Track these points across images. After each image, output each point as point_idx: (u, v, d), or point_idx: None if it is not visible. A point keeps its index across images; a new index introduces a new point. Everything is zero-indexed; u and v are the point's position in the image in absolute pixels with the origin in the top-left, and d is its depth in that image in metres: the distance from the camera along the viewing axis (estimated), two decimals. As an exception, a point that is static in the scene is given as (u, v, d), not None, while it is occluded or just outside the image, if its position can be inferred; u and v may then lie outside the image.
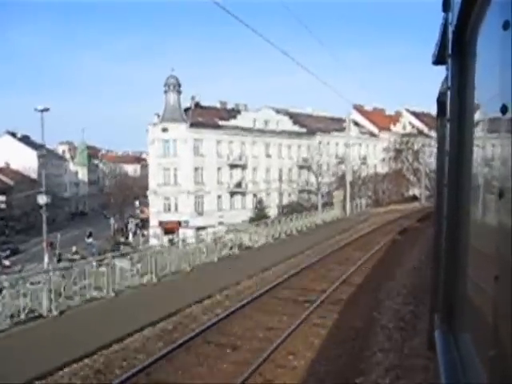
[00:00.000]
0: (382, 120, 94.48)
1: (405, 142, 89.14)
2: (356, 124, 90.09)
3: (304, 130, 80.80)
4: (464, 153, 2.18)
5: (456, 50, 2.30)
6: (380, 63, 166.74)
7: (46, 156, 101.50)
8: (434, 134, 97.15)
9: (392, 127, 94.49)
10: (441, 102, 3.78)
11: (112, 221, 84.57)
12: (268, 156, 77.00)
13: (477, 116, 1.99)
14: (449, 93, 2.40)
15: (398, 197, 77.08)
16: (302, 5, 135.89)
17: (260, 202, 69.14)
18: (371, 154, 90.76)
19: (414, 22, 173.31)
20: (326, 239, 30.10)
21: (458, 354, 2.05)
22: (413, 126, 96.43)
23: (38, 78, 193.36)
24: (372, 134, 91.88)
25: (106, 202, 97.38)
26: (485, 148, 1.82)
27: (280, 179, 75.32)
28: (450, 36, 2.39)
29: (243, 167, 73.99)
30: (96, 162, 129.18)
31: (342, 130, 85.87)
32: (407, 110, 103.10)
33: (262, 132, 75.75)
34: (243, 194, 73.78)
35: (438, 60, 3.38)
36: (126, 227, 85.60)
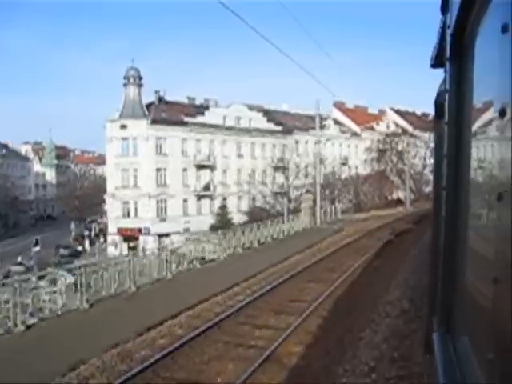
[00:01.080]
0: (364, 118, 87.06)
1: (389, 142, 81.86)
2: (336, 122, 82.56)
3: (279, 128, 73.04)
4: (462, 156, 2.16)
5: (454, 53, 2.27)
6: (375, 65, 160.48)
7: (7, 156, 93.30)
8: (419, 133, 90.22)
9: (375, 126, 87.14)
10: (438, 105, 3.79)
11: (72, 226, 76.21)
12: (239, 156, 69.27)
13: (475, 119, 1.95)
14: (447, 95, 2.34)
15: (381, 200, 69.67)
16: (302, 7, 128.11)
17: (223, 207, 61.09)
18: (353, 155, 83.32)
19: (412, 25, 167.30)
20: (280, 261, 22.44)
21: (456, 356, 2.02)
22: (397, 125, 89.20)
23: (24, 78, 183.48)
24: (354, 133, 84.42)
25: (77, 205, 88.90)
26: (483, 151, 1.81)
27: (250, 182, 67.49)
28: (448, 39, 2.34)
29: (212, 168, 66.20)
30: (68, 163, 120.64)
31: (322, 128, 78.33)
32: (391, 109, 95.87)
33: (232, 130, 68.07)
34: (211, 197, 65.99)
35: (436, 63, 3.37)
36: (90, 233, 77.38)
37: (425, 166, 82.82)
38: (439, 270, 2.52)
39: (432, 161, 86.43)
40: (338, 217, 43.59)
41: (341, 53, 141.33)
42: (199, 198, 64.94)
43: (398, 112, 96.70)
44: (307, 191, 53.08)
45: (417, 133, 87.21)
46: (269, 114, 75.02)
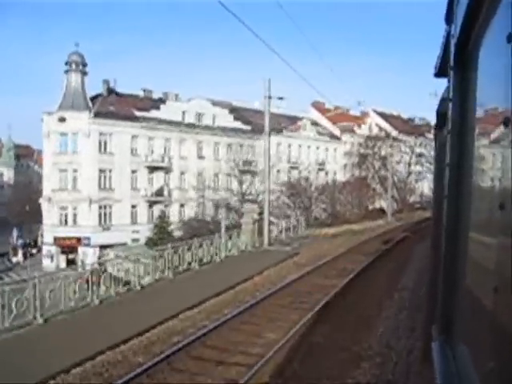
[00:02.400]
0: (345, 121, 77.71)
1: (371, 146, 72.59)
2: (314, 124, 73.10)
3: (248, 127, 63.43)
4: (464, 164, 2.14)
5: (458, 63, 2.26)
6: (375, 73, 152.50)
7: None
8: (403, 137, 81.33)
9: (356, 129, 77.89)
10: (440, 114, 3.80)
11: (14, 233, 65.91)
12: (200, 157, 59.58)
13: (478, 128, 1.93)
14: (450, 104, 2.33)
15: (360, 210, 60.06)
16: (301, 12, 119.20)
17: (162, 216, 51.19)
18: (331, 159, 74.00)
19: (416, 35, 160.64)
20: (189, 307, 12.97)
21: (455, 365, 2.00)
22: (380, 129, 79.88)
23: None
24: (333, 136, 75.00)
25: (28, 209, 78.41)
26: (486, 160, 1.78)
27: (209, 186, 57.85)
28: (453, 48, 2.33)
29: (167, 170, 56.55)
30: (31, 163, 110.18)
31: (297, 129, 69.00)
32: (375, 111, 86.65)
33: (193, 127, 58.40)
34: (166, 203, 56.09)
35: (440, 72, 3.35)
36: (36, 241, 67.10)
37: (409, 173, 73.71)
38: (439, 279, 2.48)
39: (418, 168, 77.54)
40: (302, 233, 34.01)
41: (340, 60, 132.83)
42: (151, 204, 55.15)
43: (381, 115, 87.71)
44: (252, 201, 43.61)
45: (402, 137, 78.23)
46: (236, 112, 65.53)
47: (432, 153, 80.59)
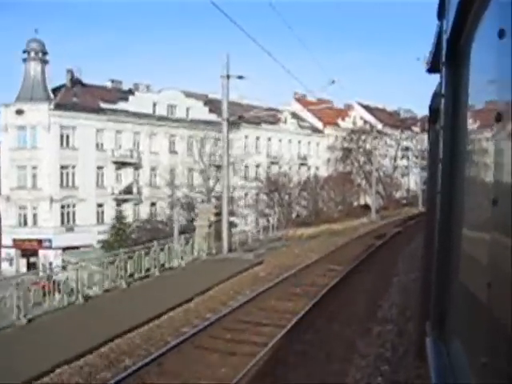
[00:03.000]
0: (328, 113, 73.75)
1: (355, 140, 68.78)
2: (295, 117, 69.06)
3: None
4: (457, 160, 2.14)
5: (450, 58, 2.25)
6: (362, 68, 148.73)
7: None
8: (389, 131, 77.68)
9: (340, 122, 73.97)
10: (433, 109, 3.79)
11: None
12: (173, 152, 55.30)
13: (470, 123, 1.94)
14: (442, 100, 2.33)
15: (344, 207, 56.23)
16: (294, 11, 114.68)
17: (119, 216, 46.90)
18: (313, 153, 69.97)
19: (408, 29, 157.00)
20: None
21: (449, 361, 2.01)
22: (365, 122, 76.04)
23: None
24: (315, 130, 71.00)
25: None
26: (478, 155, 1.78)
27: (182, 183, 53.78)
28: (445, 44, 2.33)
29: (136, 166, 52.19)
30: None
31: (277, 122, 64.96)
32: (359, 104, 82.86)
33: (165, 120, 54.07)
34: (136, 202, 51.83)
35: (432, 68, 3.29)
36: None
37: (395, 168, 70.05)
38: (433, 275, 2.46)
39: (404, 162, 73.90)
40: (275, 234, 30.03)
41: (328, 55, 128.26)
42: (119, 202, 50.84)
43: (366, 108, 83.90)
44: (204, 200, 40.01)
45: (387, 131, 74.55)
46: (212, 104, 61.26)
47: (419, 146, 77.05)
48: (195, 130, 56.20)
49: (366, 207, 69.50)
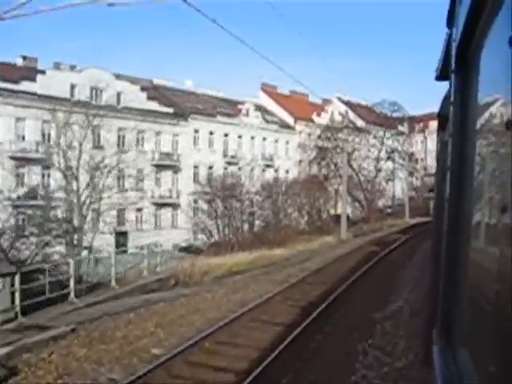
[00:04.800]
0: (302, 108, 61.84)
1: (332, 138, 56.55)
2: (260, 109, 56.80)
3: (170, 109, 46.89)
4: (466, 168, 2.10)
5: (460, 66, 2.23)
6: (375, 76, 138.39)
7: None
8: (372, 129, 65.82)
9: (315, 118, 61.81)
10: (442, 117, 3.76)
11: None
12: (97, 147, 42.76)
13: (480, 131, 1.88)
14: (451, 108, 2.30)
15: (311, 219, 43.99)
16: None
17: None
18: (282, 153, 57.67)
19: (417, 38, 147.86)
20: None
21: (456, 370, 1.95)
22: (344, 118, 63.93)
23: None
24: (284, 125, 58.73)
25: None
26: (488, 163, 1.73)
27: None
28: (454, 52, 2.30)
29: (45, 164, 39.64)
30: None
31: (237, 115, 52.75)
32: (339, 99, 70.90)
33: (86, 106, 41.49)
34: (44, 209, 39.06)
35: (441, 75, 3.27)
36: None
37: (379, 171, 57.87)
38: (440, 282, 2.46)
39: (389, 164, 61.91)
40: (170, 265, 17.77)
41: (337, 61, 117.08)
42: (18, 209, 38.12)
43: (347, 104, 71.91)
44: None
45: (370, 129, 62.50)
46: (157, 91, 49.10)
47: (406, 147, 65.14)
48: (128, 120, 43.88)
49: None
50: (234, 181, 40.74)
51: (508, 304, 1.14)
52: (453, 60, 2.31)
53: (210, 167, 48.96)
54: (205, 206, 37.62)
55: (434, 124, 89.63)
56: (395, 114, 58.90)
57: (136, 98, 44.50)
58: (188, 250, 39.59)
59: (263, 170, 54.41)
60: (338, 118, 64.04)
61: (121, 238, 43.70)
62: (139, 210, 44.94)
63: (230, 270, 18.41)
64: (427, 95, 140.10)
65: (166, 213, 46.36)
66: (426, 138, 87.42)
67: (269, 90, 62.54)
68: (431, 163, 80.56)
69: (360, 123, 64.31)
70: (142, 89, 46.03)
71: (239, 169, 52.04)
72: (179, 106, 48.88)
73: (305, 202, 44.08)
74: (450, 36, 2.58)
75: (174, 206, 45.83)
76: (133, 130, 44.17)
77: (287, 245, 26.40)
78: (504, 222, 1.26)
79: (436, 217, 4.35)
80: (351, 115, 66.01)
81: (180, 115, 47.85)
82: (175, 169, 46.74)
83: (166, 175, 46.37)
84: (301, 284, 16.22)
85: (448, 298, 2.30)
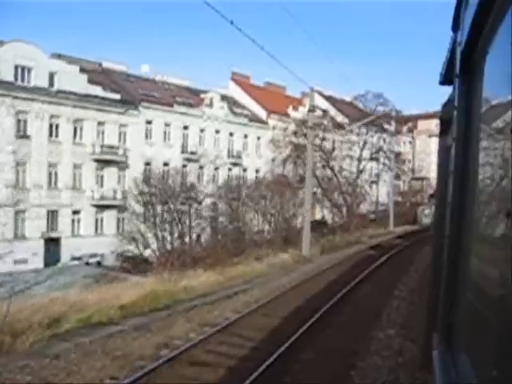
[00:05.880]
0: (277, 101, 54.78)
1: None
2: (226, 100, 49.58)
3: (117, 96, 39.52)
4: (469, 172, 2.08)
5: (464, 70, 2.20)
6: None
7: None
8: (355, 127, 58.82)
9: (292, 112, 54.64)
10: (444, 121, 3.69)
11: None
12: (23, 137, 35.46)
13: (483, 136, 1.88)
14: (455, 112, 2.28)
15: (279, 226, 36.86)
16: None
17: None
18: (252, 151, 50.53)
19: (422, 43, 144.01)
20: None
21: (456, 373, 1.93)
22: (325, 114, 56.88)
23: None
24: (255, 119, 51.56)
25: None
26: (491, 168, 1.72)
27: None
28: (459, 56, 2.27)
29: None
30: None
31: (198, 105, 45.52)
32: (319, 93, 63.68)
33: (9, 88, 34.23)
34: None
35: (446, 80, 3.28)
36: None
37: (361, 172, 50.80)
38: (441, 286, 2.43)
39: (373, 165, 55.20)
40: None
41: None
42: None
43: (329, 99, 64.92)
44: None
45: (352, 126, 55.33)
46: (101, 74, 41.74)
47: (391, 146, 58.20)
48: (65, 106, 36.50)
49: (321, 224, 50.49)
50: (183, 180, 33.55)
51: (508, 309, 1.14)
52: (457, 64, 2.28)
53: (166, 164, 41.65)
54: (139, 209, 30.24)
55: (423, 124, 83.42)
56: (380, 108, 51.74)
57: (74, 80, 37.12)
58: (134, 261, 32.12)
59: (230, 169, 47.23)
60: (318, 113, 57.00)
61: (52, 245, 36.29)
62: (76, 212, 37.53)
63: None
64: (417, 95, 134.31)
65: (110, 216, 38.96)
66: (414, 138, 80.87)
67: (240, 80, 55.40)
68: (420, 166, 74.31)
69: (342, 119, 57.30)
70: (83, 70, 38.60)
71: (201, 167, 44.86)
72: (129, 92, 41.55)
73: (271, 207, 36.90)
74: (454, 40, 2.56)
75: (120, 209, 38.38)
76: (69, 118, 36.88)
77: (226, 265, 19.24)
78: (506, 228, 1.24)
79: (437, 222, 4.07)
80: (332, 110, 58.99)
81: (129, 103, 40.49)
82: (121, 165, 39.36)
83: (110, 172, 39.01)
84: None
85: (448, 302, 2.28)
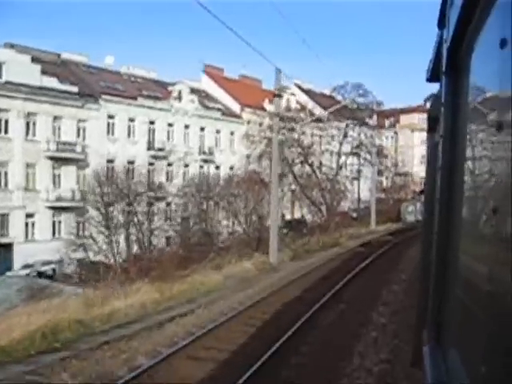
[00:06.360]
0: (252, 94, 51.59)
1: (287, 129, 46.43)
2: (196, 92, 46.39)
3: (74, 88, 36.16)
4: (457, 169, 2.10)
5: (450, 67, 2.21)
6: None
7: None
8: (335, 121, 55.94)
9: (268, 106, 51.41)
10: (432, 118, 3.56)
11: None
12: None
13: (470, 133, 1.89)
14: (442, 109, 2.30)
15: (251, 227, 33.91)
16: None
17: None
18: (225, 146, 47.41)
19: (408, 39, 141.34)
20: None
21: (446, 369, 1.96)
22: (302, 108, 54.04)
23: None
24: (228, 113, 48.42)
25: None
26: (478, 165, 1.73)
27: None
28: (445, 53, 2.29)
29: None
30: None
31: (166, 98, 42.30)
32: (298, 87, 60.86)
33: None
34: None
35: (432, 77, 3.23)
36: None
37: (341, 168, 47.91)
38: (430, 283, 2.43)
39: (354, 160, 52.61)
40: None
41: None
42: None
43: (308, 92, 62.04)
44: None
45: (332, 121, 52.38)
46: (57, 66, 38.32)
47: (372, 140, 55.43)
48: (13, 99, 33.08)
49: (300, 223, 47.69)
50: (150, 179, 30.45)
51: (496, 305, 1.15)
52: (444, 61, 2.29)
53: (130, 162, 38.38)
54: (94, 213, 27.01)
55: (405, 119, 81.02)
56: (360, 100, 48.86)
57: (25, 71, 33.68)
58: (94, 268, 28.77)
59: (201, 167, 44.09)
60: (295, 106, 54.11)
61: (3, 252, 32.93)
62: (30, 215, 34.13)
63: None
64: (399, 89, 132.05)
65: (68, 219, 35.58)
66: (396, 133, 78.27)
67: (213, 73, 52.19)
68: (403, 161, 71.66)
69: (320, 112, 54.38)
70: (36, 60, 35.16)
71: (169, 164, 41.67)
72: (89, 84, 38.18)
73: (243, 206, 33.89)
74: (441, 37, 2.57)
75: (80, 211, 35.00)
76: (19, 112, 33.45)
77: (176, 277, 16.11)
78: (494, 224, 1.25)
79: (426, 218, 3.94)
80: (311, 104, 56.11)
81: (88, 96, 37.13)
82: (80, 163, 36.00)
83: (68, 171, 35.65)
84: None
85: (438, 299, 2.28)
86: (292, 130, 46.32)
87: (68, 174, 35.72)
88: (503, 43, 1.17)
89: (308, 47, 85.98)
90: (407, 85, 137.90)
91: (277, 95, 23.31)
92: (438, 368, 2.01)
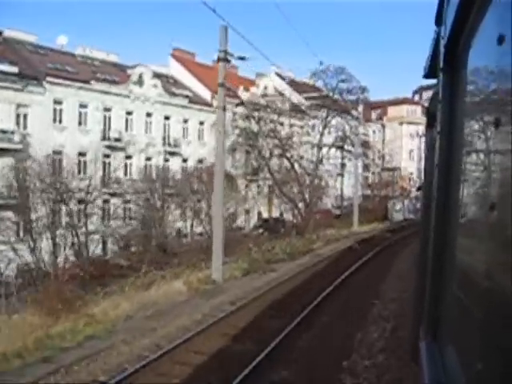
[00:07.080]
0: (229, 82, 46.42)
1: (263, 119, 41.82)
2: (160, 77, 41.52)
3: (14, 68, 31.17)
4: (454, 165, 2.09)
5: (448, 64, 2.21)
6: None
7: None
8: (320, 112, 51.22)
9: (242, 94, 46.78)
10: (430, 114, 3.56)
11: None
12: None
13: (468, 129, 1.88)
14: (439, 105, 2.29)
15: (228, 229, 28.92)
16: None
17: None
18: (193, 138, 42.59)
19: (406, 36, 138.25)
20: None
21: (442, 365, 1.95)
22: (282, 96, 49.39)
23: None
24: (198, 101, 43.60)
25: None
26: (476, 161, 1.73)
27: None
28: (442, 50, 2.28)
29: None
30: None
31: (124, 82, 37.36)
32: (278, 75, 56.17)
33: None
34: None
35: (430, 73, 3.23)
36: None
37: (321, 161, 43.25)
38: (427, 279, 2.41)
39: (338, 154, 48.26)
40: None
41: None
42: None
43: (290, 83, 57.24)
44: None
45: (321, 113, 47.62)
46: (6, 45, 33.43)
47: (356, 130, 50.72)
48: None
49: (278, 222, 43.25)
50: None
51: (493, 301, 1.16)
52: (441, 58, 2.29)
53: (81, 154, 33.51)
54: (9, 214, 22.23)
55: (393, 111, 76.73)
56: (343, 85, 44.15)
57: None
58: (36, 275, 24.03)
59: (166, 160, 39.27)
60: (273, 94, 49.46)
61: None
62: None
63: None
64: (387, 81, 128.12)
65: (5, 219, 30.66)
66: (383, 126, 73.84)
67: (182, 57, 47.31)
68: (390, 155, 67.32)
69: (298, 100, 49.81)
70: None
71: (127, 157, 36.86)
72: (33, 65, 33.23)
73: (206, 204, 29.22)
74: (438, 34, 2.56)
75: (19, 210, 30.07)
76: None
77: (72, 307, 11.45)
78: (491, 220, 1.25)
79: (424, 214, 3.88)
80: (288, 91, 51.49)
81: (31, 78, 32.18)
82: (19, 155, 31.06)
83: (4, 164, 30.67)
84: None
85: (435, 295, 2.27)
86: (262, 119, 41.60)
87: (3, 166, 30.80)
88: (500, 40, 1.16)
89: (300, 36, 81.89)
90: (397, 79, 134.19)
91: (222, 59, 18.57)
92: (434, 364, 2.01)
